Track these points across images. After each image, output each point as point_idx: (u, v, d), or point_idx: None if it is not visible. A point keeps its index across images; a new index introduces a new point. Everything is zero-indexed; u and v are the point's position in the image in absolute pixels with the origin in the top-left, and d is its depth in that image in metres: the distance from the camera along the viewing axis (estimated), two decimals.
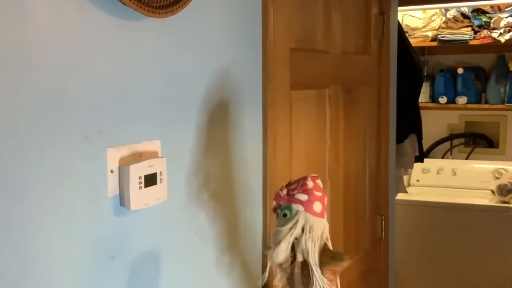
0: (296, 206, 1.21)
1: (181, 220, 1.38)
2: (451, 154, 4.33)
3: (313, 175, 1.25)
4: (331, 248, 1.26)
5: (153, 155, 1.27)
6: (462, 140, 4.33)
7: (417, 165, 3.47)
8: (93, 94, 1.13)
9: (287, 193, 1.23)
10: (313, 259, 1.20)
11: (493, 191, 3.61)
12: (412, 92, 3.10)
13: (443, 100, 4.14)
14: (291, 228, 1.20)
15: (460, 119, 4.32)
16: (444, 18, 4.10)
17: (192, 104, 1.40)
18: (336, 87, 2.14)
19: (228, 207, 1.54)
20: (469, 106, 4.11)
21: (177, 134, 1.35)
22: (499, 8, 3.91)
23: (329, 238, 1.27)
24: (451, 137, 4.32)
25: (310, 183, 1.22)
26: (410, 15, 4.10)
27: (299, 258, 1.22)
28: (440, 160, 4.18)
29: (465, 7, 4.01)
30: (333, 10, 2.08)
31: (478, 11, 3.98)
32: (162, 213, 1.31)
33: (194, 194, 1.42)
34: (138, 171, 1.20)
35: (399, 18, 3.59)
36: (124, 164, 1.18)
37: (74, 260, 1.10)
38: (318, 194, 1.23)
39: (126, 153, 1.20)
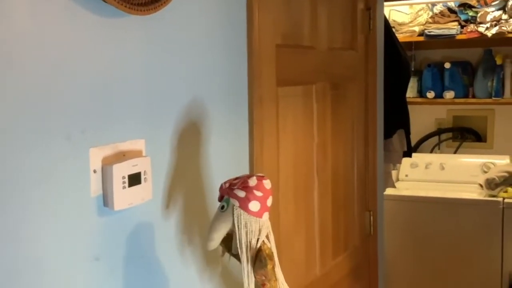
0: (233, 201, 1.22)
1: (166, 219, 1.37)
2: (439, 149, 4.34)
3: (260, 174, 1.26)
4: (269, 247, 1.25)
5: (137, 154, 1.26)
6: (450, 134, 4.35)
7: (405, 160, 3.47)
8: (75, 93, 1.11)
9: (229, 187, 1.24)
10: (244, 256, 1.22)
11: (481, 185, 3.63)
12: (399, 87, 3.10)
13: (430, 95, 4.15)
14: (224, 221, 1.23)
15: (448, 113, 4.33)
16: (431, 13, 4.11)
17: (177, 102, 1.39)
18: (323, 83, 2.13)
19: (214, 205, 1.53)
20: (456, 100, 4.12)
21: (162, 133, 1.34)
22: (486, 3, 3.92)
23: (270, 239, 1.27)
24: (439, 132, 4.33)
25: (252, 182, 1.22)
26: (397, 10, 4.10)
27: (234, 251, 1.25)
28: (428, 154, 4.19)
29: (452, 2, 4.02)
30: (319, 5, 2.07)
31: (465, 6, 3.99)
32: (146, 213, 1.30)
33: (179, 194, 1.41)
34: (121, 170, 1.18)
35: (386, 13, 3.59)
36: (107, 164, 1.17)
37: (57, 261, 1.09)
38: (259, 194, 1.22)
39: (110, 152, 1.19)
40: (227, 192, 1.24)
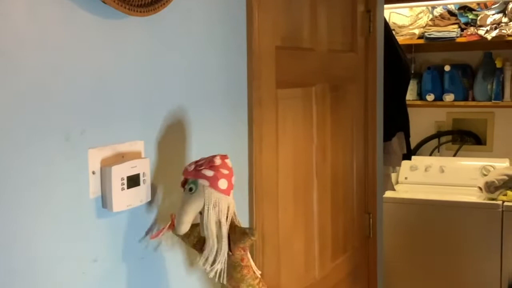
0: (202, 181, 1.23)
1: (165, 221, 1.36)
2: (438, 152, 4.34)
3: (222, 154, 1.29)
4: (239, 225, 1.30)
5: (136, 155, 1.25)
6: (449, 137, 4.34)
7: (405, 163, 3.47)
8: (74, 94, 1.11)
9: (195, 168, 1.25)
10: (214, 234, 1.24)
11: (480, 188, 3.62)
12: (399, 90, 3.10)
13: (430, 97, 4.15)
14: (194, 202, 1.23)
15: (447, 116, 4.33)
16: (431, 16, 4.10)
17: (176, 103, 1.38)
18: (322, 85, 2.13)
19: None
20: (456, 103, 4.11)
21: (161, 134, 1.34)
22: (486, 6, 3.92)
23: (236, 215, 1.31)
24: (438, 135, 4.33)
25: (218, 161, 1.25)
26: (397, 13, 4.10)
27: (202, 233, 1.26)
28: (428, 157, 4.19)
29: (452, 5, 4.02)
30: (319, 7, 2.07)
31: (465, 9, 3.99)
32: (145, 214, 1.29)
33: (179, 195, 1.40)
34: (120, 172, 1.18)
35: (386, 15, 3.59)
36: (106, 165, 1.16)
37: (55, 263, 1.08)
38: (225, 172, 1.26)
39: (109, 153, 1.19)
40: (193, 174, 1.24)
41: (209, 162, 1.25)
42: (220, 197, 1.24)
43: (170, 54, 1.35)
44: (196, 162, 1.27)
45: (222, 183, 1.24)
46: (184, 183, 1.28)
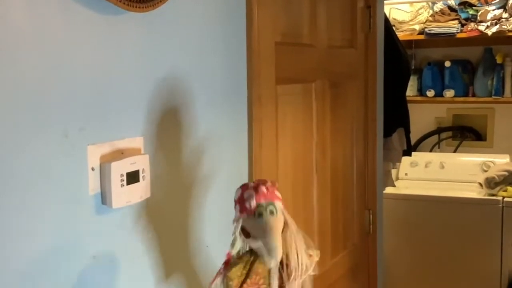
0: (278, 204, 1.15)
1: (165, 218, 1.36)
2: (439, 148, 4.33)
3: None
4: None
5: (135, 152, 1.25)
6: (450, 133, 4.33)
7: (405, 159, 3.46)
8: (73, 90, 1.10)
9: (268, 190, 1.15)
10: (296, 258, 1.16)
11: (481, 184, 3.62)
12: (399, 86, 3.09)
13: (430, 93, 4.14)
14: (278, 227, 1.13)
15: (447, 112, 4.32)
16: (431, 11, 4.09)
17: (176, 100, 1.38)
18: (322, 81, 2.12)
19: (213, 204, 1.53)
20: (456, 99, 4.11)
21: (160, 131, 1.33)
22: (486, 1, 3.91)
23: None
24: (439, 131, 4.33)
25: (276, 183, 1.18)
26: (397, 9, 4.09)
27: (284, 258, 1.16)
28: (428, 153, 4.18)
29: (452, 0, 4.01)
30: (319, 3, 2.07)
31: (465, 4, 3.98)
32: (145, 211, 1.29)
33: (178, 192, 1.40)
34: (119, 168, 1.18)
35: (386, 11, 3.58)
36: (106, 162, 1.16)
37: (54, 259, 1.08)
38: None
39: (108, 150, 1.18)
40: (271, 196, 1.14)
41: (273, 184, 1.17)
42: (289, 218, 1.16)
43: (169, 51, 1.35)
44: (258, 183, 1.16)
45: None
46: (253, 209, 1.14)
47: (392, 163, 3.18)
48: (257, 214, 1.12)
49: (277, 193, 1.16)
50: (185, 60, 1.40)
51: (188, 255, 1.45)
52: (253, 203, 1.13)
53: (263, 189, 1.14)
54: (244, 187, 1.17)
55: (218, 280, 1.14)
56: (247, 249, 1.17)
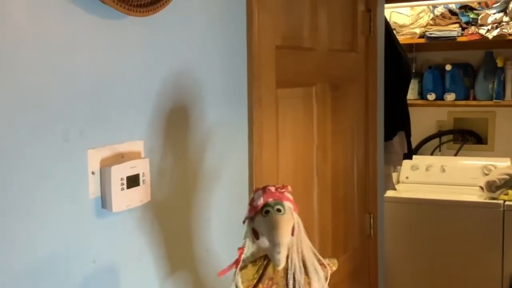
0: (287, 204, 1.13)
1: (165, 222, 1.36)
2: (440, 151, 4.33)
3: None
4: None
5: (135, 155, 1.25)
6: (450, 136, 4.33)
7: (406, 162, 3.47)
8: (73, 94, 1.11)
9: (277, 190, 1.15)
10: (308, 261, 1.16)
11: (482, 188, 3.62)
12: (400, 89, 3.09)
13: (431, 97, 4.14)
14: (287, 224, 1.11)
15: (448, 115, 4.32)
16: (432, 15, 4.10)
17: (176, 103, 1.38)
18: (323, 84, 2.12)
19: (214, 207, 1.53)
20: (457, 102, 4.11)
21: (160, 135, 1.33)
22: (487, 5, 3.91)
23: None
24: (439, 134, 4.33)
25: (289, 188, 1.17)
26: (398, 12, 4.09)
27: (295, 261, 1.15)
28: (429, 157, 4.18)
29: (453, 4, 4.01)
30: (319, 7, 2.07)
31: (466, 8, 3.99)
32: (145, 215, 1.29)
33: (178, 195, 1.40)
34: (120, 172, 1.18)
35: (387, 15, 3.59)
36: (106, 166, 1.16)
37: (54, 263, 1.08)
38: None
39: (108, 154, 1.18)
40: (278, 196, 1.14)
41: (285, 187, 1.17)
42: (300, 220, 1.15)
43: (170, 54, 1.35)
44: (267, 186, 1.16)
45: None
46: (260, 207, 1.13)
47: (393, 166, 3.18)
48: (264, 211, 1.12)
49: (288, 195, 1.15)
50: (185, 64, 1.41)
51: (189, 259, 1.45)
52: (261, 201, 1.12)
53: (272, 189, 1.14)
54: (256, 190, 1.18)
55: (231, 272, 1.13)
56: (256, 250, 1.16)
